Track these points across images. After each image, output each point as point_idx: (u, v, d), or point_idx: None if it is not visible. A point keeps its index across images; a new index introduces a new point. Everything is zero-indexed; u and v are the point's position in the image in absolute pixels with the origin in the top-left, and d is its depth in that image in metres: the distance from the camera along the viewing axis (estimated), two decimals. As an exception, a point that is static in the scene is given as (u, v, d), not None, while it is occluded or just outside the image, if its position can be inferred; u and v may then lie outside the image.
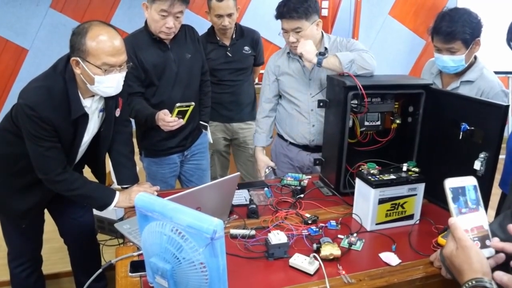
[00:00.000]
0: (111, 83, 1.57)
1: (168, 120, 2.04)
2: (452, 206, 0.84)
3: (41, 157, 1.61)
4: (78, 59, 1.52)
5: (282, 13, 1.98)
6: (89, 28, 1.51)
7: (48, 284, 2.17)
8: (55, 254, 2.50)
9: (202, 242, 1.00)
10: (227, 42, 2.69)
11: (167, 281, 1.07)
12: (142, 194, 1.13)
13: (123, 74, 1.62)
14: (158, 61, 2.14)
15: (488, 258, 0.82)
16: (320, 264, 1.34)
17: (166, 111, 2.08)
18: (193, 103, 2.06)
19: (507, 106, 1.49)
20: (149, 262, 1.10)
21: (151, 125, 2.15)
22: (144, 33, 2.15)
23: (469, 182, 0.86)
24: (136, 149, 2.14)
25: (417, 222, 1.64)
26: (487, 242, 0.83)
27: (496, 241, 0.83)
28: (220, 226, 0.99)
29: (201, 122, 2.45)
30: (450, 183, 0.85)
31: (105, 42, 1.50)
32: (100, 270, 1.41)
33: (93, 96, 1.66)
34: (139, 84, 2.14)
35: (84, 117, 1.64)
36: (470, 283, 0.76)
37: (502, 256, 0.84)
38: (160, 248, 1.06)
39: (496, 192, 1.60)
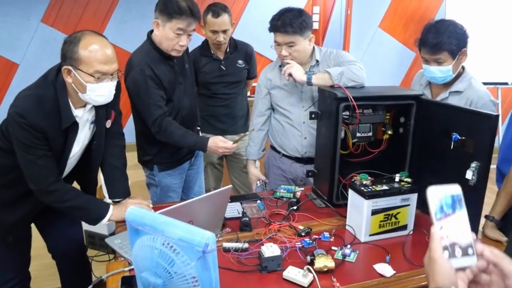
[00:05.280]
0: (103, 91, 1.58)
1: (231, 147, 2.11)
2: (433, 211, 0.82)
3: (33, 166, 1.58)
4: (70, 67, 1.52)
5: (276, 26, 1.97)
6: (82, 37, 1.52)
7: (37, 301, 2.12)
8: (44, 271, 2.45)
9: (194, 255, 0.98)
10: (221, 56, 2.70)
11: (159, 297, 1.05)
12: (133, 208, 1.12)
13: (115, 82, 1.62)
14: (170, 77, 2.13)
15: (465, 267, 0.80)
16: (314, 276, 1.33)
17: (221, 137, 2.15)
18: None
19: (497, 116, 1.50)
20: (141, 277, 1.08)
21: (194, 148, 2.25)
22: (152, 51, 2.08)
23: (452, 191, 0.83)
24: (131, 163, 2.10)
25: (411, 232, 1.64)
26: (469, 251, 0.80)
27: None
28: (212, 239, 0.98)
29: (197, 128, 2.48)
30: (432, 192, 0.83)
31: (98, 51, 1.52)
32: (90, 287, 1.38)
33: (84, 106, 1.66)
34: (165, 104, 2.11)
35: (74, 126, 1.63)
36: None
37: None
38: (152, 263, 1.04)
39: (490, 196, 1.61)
